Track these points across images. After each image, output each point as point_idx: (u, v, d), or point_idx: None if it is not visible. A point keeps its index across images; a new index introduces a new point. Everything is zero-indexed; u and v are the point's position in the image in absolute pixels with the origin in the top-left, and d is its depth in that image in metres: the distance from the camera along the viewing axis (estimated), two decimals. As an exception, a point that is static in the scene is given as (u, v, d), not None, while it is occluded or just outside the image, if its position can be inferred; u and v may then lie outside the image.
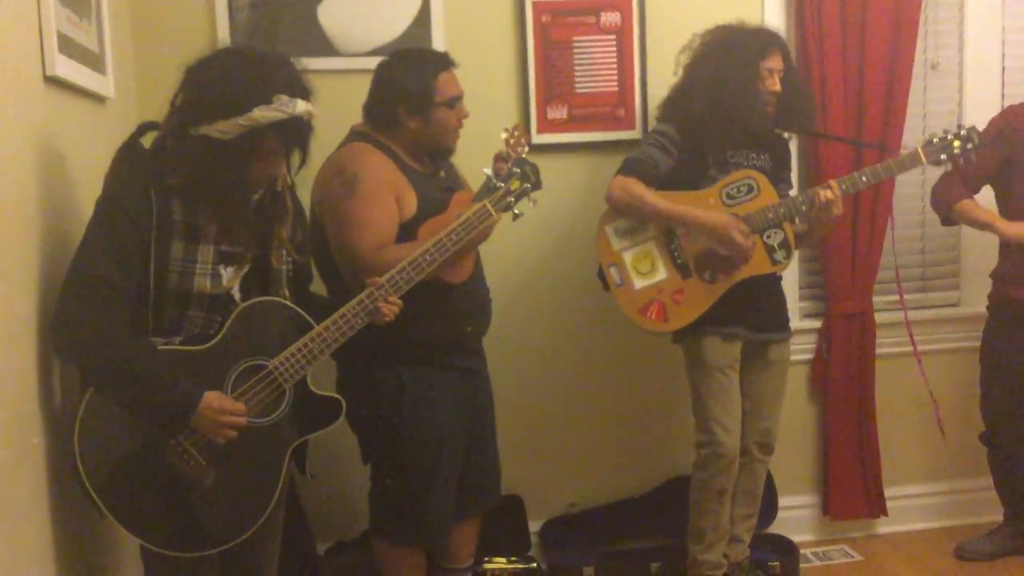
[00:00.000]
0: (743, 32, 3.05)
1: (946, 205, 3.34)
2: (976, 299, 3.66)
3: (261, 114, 2.00)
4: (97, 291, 1.98)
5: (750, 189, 3.01)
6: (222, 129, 2.00)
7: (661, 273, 3.06)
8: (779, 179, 3.18)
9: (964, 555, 3.54)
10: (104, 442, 2.04)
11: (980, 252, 3.66)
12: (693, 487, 3.17)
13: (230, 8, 3.20)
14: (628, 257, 3.08)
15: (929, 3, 3.63)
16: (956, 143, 2.98)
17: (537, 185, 2.55)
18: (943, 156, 2.99)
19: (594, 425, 3.63)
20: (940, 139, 3.00)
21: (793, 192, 3.26)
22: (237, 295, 2.17)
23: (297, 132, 2.08)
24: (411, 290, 2.35)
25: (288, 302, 2.20)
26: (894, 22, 3.49)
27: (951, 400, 3.74)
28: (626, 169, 3.03)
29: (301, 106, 2.05)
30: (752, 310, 3.07)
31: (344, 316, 2.21)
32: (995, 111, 3.46)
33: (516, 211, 2.53)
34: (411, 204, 2.61)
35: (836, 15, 3.46)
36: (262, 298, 2.17)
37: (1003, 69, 3.73)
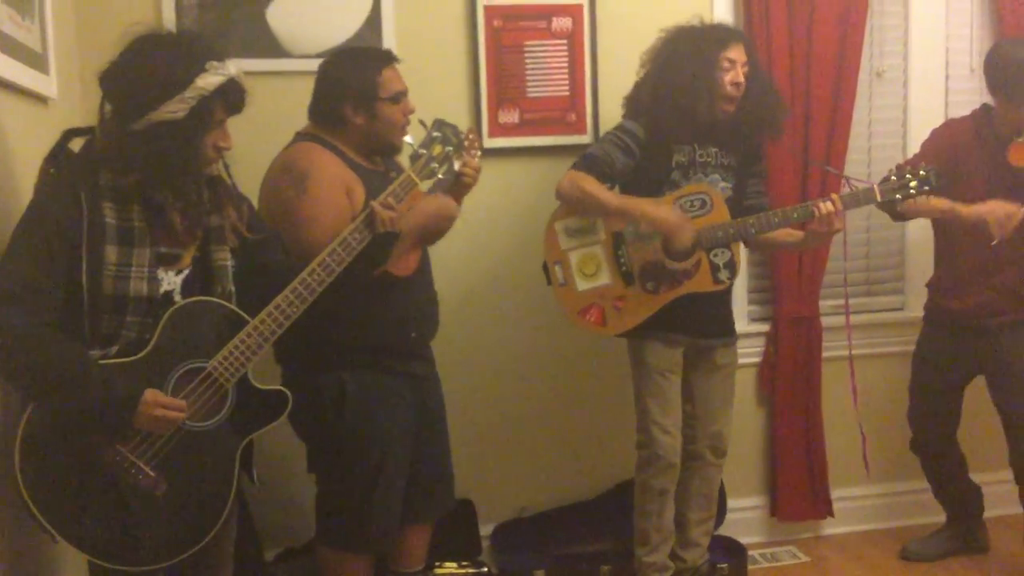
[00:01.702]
0: (704, 25, 3.06)
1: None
2: (919, 303, 3.72)
3: (204, 82, 2.02)
4: (22, 296, 1.94)
5: (703, 204, 3.01)
6: (172, 109, 2.00)
7: (605, 277, 3.06)
8: (749, 174, 3.19)
9: (908, 556, 3.59)
10: (47, 460, 2.00)
11: (924, 258, 3.71)
12: (636, 489, 3.20)
13: (177, 8, 3.18)
14: (574, 257, 3.08)
15: (875, 12, 3.70)
16: (912, 184, 2.97)
17: (459, 147, 2.53)
18: (898, 196, 2.99)
19: (545, 429, 3.64)
20: (897, 178, 2.98)
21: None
22: (178, 297, 2.14)
23: (238, 95, 2.11)
24: (354, 294, 2.34)
25: (219, 300, 2.16)
26: (840, 31, 3.54)
27: (897, 402, 3.79)
28: (580, 165, 3.01)
29: (233, 67, 2.08)
30: (695, 318, 3.08)
31: (279, 307, 2.18)
32: (938, 119, 3.52)
33: (440, 176, 2.50)
34: (361, 200, 2.59)
35: (783, 23, 3.50)
36: (192, 299, 2.13)
37: (946, 77, 3.80)
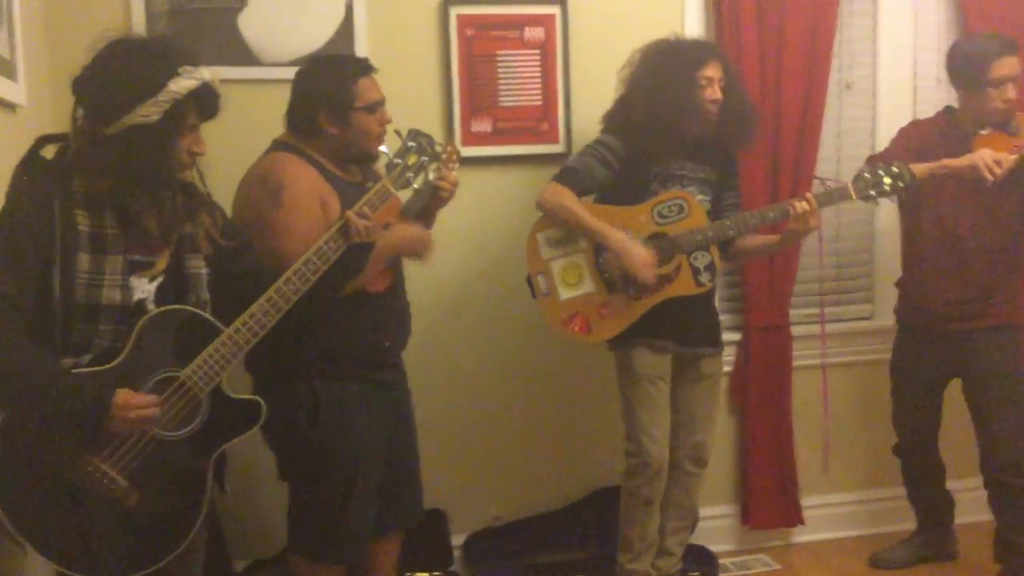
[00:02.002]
0: (680, 43, 3.11)
1: None
2: (888, 312, 3.76)
3: (178, 85, 2.02)
4: None
5: (680, 209, 3.04)
6: (144, 113, 1.99)
7: (588, 286, 3.08)
8: (726, 188, 3.22)
9: (878, 563, 3.61)
10: (18, 469, 1.98)
11: (893, 267, 3.76)
12: (622, 496, 3.20)
13: (148, 16, 3.16)
14: (556, 267, 3.09)
15: (844, 25, 3.74)
16: (887, 181, 3.02)
17: (435, 156, 2.53)
18: (872, 192, 3.03)
19: (518, 437, 3.64)
20: (872, 175, 3.03)
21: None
22: (152, 305, 2.12)
23: (212, 100, 2.11)
24: (328, 303, 2.33)
25: (193, 308, 2.15)
26: (810, 42, 3.57)
27: (867, 410, 3.83)
28: (561, 177, 3.06)
29: (207, 72, 2.08)
30: (682, 324, 3.11)
31: (253, 315, 2.17)
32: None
33: (416, 185, 2.51)
34: (336, 211, 2.57)
35: (754, 37, 3.53)
36: (165, 307, 2.12)
37: (914, 88, 3.85)
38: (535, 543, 3.58)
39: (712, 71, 3.03)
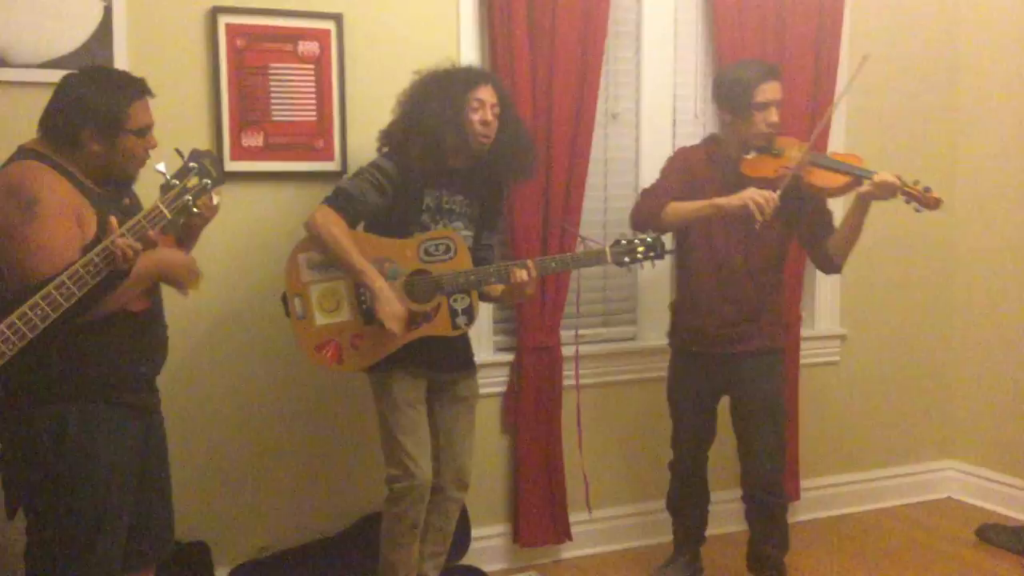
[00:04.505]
0: (455, 68, 3.14)
1: (656, 214, 3.33)
2: (651, 333, 3.93)
3: None
4: None
5: (447, 249, 3.04)
6: None
7: (344, 314, 3.03)
8: (486, 226, 3.25)
9: None
10: None
11: (656, 291, 3.95)
12: (386, 522, 3.15)
13: None
14: (315, 291, 3.03)
15: (610, 59, 3.89)
16: (640, 249, 3.09)
17: (219, 180, 2.42)
18: (627, 259, 3.10)
19: (284, 464, 3.52)
20: (628, 242, 3.10)
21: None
22: None
23: None
24: (80, 324, 2.16)
25: None
26: (579, 75, 3.69)
27: (633, 427, 3.98)
28: (333, 200, 2.99)
29: None
30: (435, 354, 3.10)
31: None
32: (667, 154, 3.72)
33: (196, 209, 2.38)
34: (92, 226, 2.41)
35: (526, 67, 3.59)
36: None
37: (674, 122, 4.06)
38: (305, 573, 3.46)
39: (485, 94, 3.06)
